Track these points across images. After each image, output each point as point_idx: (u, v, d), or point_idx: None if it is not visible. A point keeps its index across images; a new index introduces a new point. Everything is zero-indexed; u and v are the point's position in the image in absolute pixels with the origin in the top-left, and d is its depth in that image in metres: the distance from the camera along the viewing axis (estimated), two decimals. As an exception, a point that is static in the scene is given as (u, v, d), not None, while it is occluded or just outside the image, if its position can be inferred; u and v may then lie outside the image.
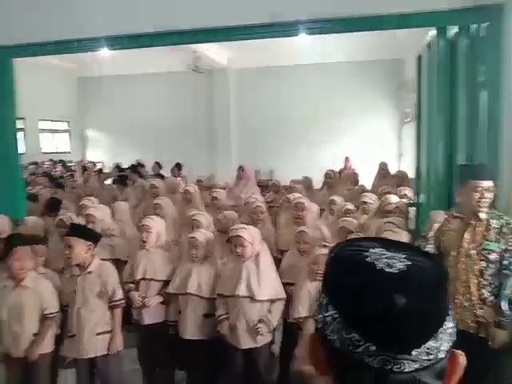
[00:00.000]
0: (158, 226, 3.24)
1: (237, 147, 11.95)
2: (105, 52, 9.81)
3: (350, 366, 0.58)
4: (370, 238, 0.73)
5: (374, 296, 0.57)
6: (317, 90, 11.34)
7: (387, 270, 0.59)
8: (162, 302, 3.17)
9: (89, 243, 2.78)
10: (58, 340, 3.02)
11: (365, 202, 4.22)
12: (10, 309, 2.74)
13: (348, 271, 0.62)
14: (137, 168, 7.68)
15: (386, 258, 0.61)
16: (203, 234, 3.12)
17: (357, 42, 8.34)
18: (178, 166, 8.98)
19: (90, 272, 2.79)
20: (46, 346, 2.88)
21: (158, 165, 9.07)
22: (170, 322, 3.17)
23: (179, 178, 6.52)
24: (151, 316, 3.14)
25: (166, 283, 3.14)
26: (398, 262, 0.60)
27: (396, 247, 0.65)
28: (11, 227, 3.67)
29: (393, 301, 0.56)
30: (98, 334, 2.80)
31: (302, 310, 2.83)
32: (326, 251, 2.86)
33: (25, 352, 2.79)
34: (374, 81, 10.85)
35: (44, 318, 2.84)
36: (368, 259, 0.61)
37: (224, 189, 5.69)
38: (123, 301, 2.91)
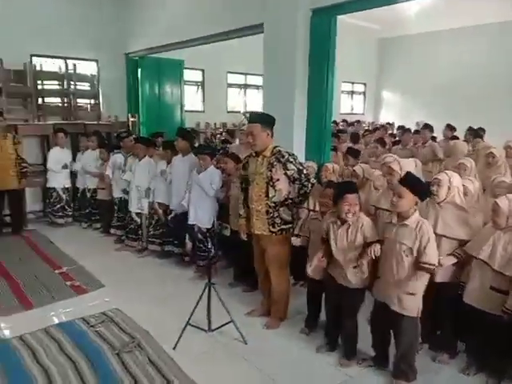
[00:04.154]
0: (450, 182, 3.07)
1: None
2: (410, 9, 9.65)
3: None
4: None
5: None
6: None
7: None
8: (455, 264, 3.04)
9: (414, 196, 2.77)
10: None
11: None
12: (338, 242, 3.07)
13: None
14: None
15: None
16: (508, 202, 2.80)
17: None
18: (482, 130, 8.22)
19: (405, 225, 2.79)
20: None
21: (449, 127, 8.44)
22: (463, 282, 3.02)
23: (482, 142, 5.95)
24: (443, 274, 3.04)
25: (463, 245, 2.98)
26: None
27: None
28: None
29: None
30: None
31: None
32: None
33: (343, 280, 3.09)
34: None
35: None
36: None
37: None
38: (433, 267, 2.75)
